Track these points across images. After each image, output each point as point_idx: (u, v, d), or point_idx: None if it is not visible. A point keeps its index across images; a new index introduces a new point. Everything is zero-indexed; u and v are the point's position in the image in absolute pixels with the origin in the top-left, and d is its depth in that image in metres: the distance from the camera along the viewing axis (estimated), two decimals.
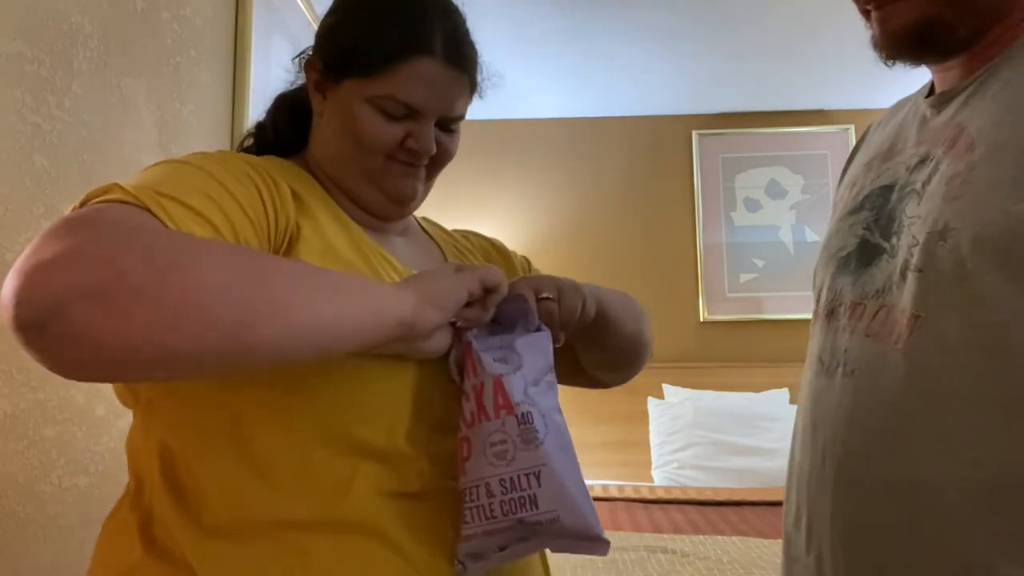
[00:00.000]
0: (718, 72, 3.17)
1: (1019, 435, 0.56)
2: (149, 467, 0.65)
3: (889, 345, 0.65)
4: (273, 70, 2.15)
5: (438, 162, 0.79)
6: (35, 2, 1.09)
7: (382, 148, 0.74)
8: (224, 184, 0.61)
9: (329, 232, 0.70)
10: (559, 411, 0.65)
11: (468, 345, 0.67)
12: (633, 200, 3.63)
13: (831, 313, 0.76)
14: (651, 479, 3.25)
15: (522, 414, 0.62)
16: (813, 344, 0.79)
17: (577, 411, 3.48)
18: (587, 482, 2.86)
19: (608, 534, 2.65)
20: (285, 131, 0.82)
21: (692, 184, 3.63)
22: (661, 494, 2.96)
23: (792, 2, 2.70)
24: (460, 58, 0.76)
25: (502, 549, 0.63)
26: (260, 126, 0.85)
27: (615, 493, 3.05)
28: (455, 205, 3.68)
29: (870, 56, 0.75)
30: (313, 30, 2.74)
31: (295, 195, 0.69)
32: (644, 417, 3.35)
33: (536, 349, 0.68)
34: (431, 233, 0.94)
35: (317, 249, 0.67)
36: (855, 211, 0.78)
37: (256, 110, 2.18)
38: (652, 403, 3.33)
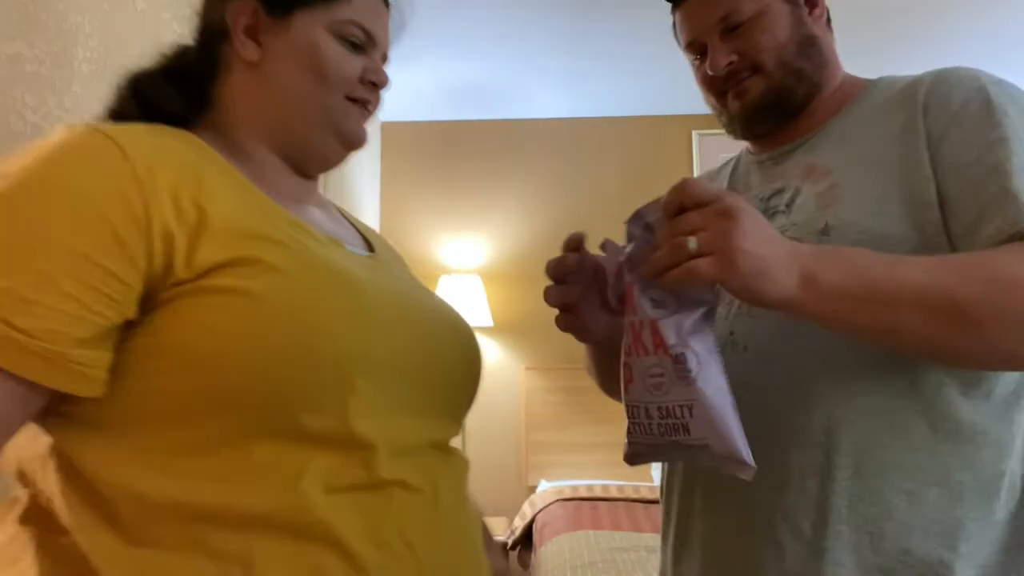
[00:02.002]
0: None
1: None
2: (46, 476, 0.59)
3: (777, 317, 0.75)
4: None
5: (377, 104, 0.78)
6: (35, 2, 1.09)
7: (346, 80, 0.72)
8: (74, 257, 0.54)
9: (239, 210, 0.63)
10: (714, 351, 0.67)
11: (630, 285, 0.70)
12: (633, 200, 3.59)
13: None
14: (651, 479, 3.25)
15: (676, 355, 0.66)
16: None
17: (577, 411, 3.48)
18: (587, 482, 2.87)
19: (608, 534, 2.65)
20: (174, 99, 0.72)
21: None
22: None
23: None
24: None
25: (660, 455, 0.72)
26: (138, 92, 0.73)
27: (615, 493, 3.05)
28: (455, 205, 3.68)
29: (866, 57, 0.79)
30: None
31: (196, 175, 0.61)
32: None
33: (692, 293, 0.68)
34: (348, 217, 0.88)
35: (226, 232, 0.60)
36: None
37: None
38: None
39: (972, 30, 2.85)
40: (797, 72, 0.88)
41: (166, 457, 0.57)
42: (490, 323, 3.44)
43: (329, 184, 2.77)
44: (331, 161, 0.77)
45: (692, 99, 3.77)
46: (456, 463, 0.72)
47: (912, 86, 0.83)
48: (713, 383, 0.66)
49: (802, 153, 0.90)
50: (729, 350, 0.79)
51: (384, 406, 0.63)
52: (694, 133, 3.67)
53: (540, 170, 3.72)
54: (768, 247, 0.63)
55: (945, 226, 0.74)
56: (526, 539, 2.93)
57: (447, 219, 3.69)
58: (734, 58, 0.89)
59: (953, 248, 0.74)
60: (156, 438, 0.57)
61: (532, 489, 3.39)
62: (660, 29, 3.22)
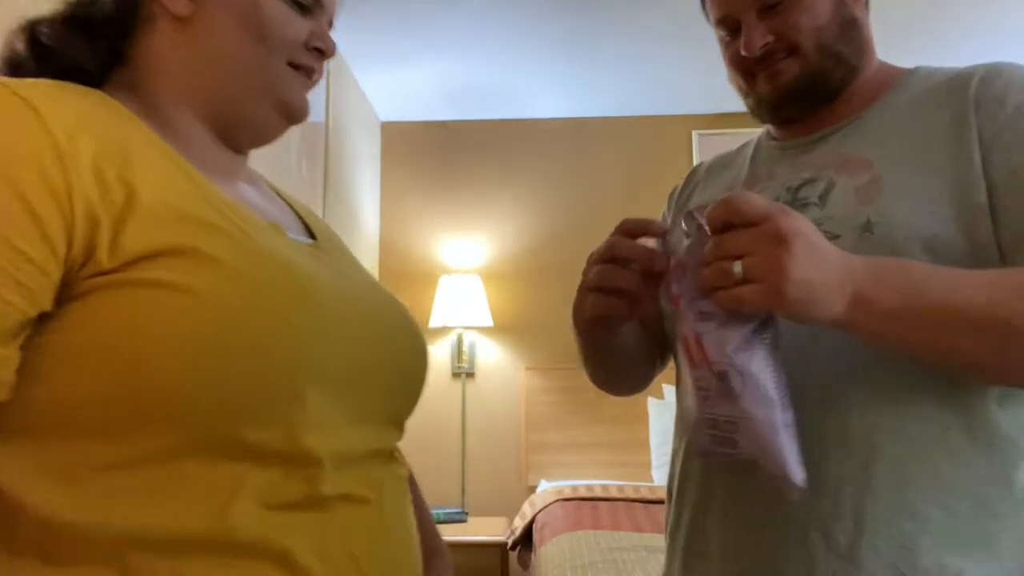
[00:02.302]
0: (718, 72, 3.16)
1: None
2: None
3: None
4: None
5: (320, 75, 0.71)
6: (35, 2, 1.09)
7: (290, 43, 0.65)
8: None
9: (171, 189, 0.55)
10: (767, 368, 0.63)
11: (677, 296, 0.67)
12: (633, 200, 3.62)
13: None
14: (651, 479, 3.25)
15: (719, 372, 0.63)
16: None
17: (577, 411, 3.48)
18: (586, 482, 2.85)
19: (608, 534, 2.64)
20: (82, 52, 0.63)
21: None
22: (661, 494, 2.95)
23: None
24: None
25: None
26: (36, 42, 0.63)
27: (615, 493, 3.05)
28: (455, 205, 3.68)
29: (904, 52, 0.77)
30: None
31: (121, 146, 0.54)
32: (644, 417, 3.35)
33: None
34: (281, 195, 0.79)
35: (157, 214, 0.52)
36: None
37: None
38: (652, 403, 3.32)
39: (971, 20, 2.85)
40: (836, 56, 0.84)
41: (80, 472, 0.50)
42: (490, 323, 3.44)
43: (329, 184, 2.77)
44: (268, 134, 0.69)
45: (692, 99, 3.78)
46: (398, 470, 0.67)
47: (962, 78, 0.79)
48: (762, 401, 0.62)
49: (835, 142, 0.85)
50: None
51: (332, 416, 0.57)
52: (694, 133, 3.67)
53: (540, 170, 3.72)
54: (821, 272, 0.60)
55: (995, 232, 0.71)
56: (526, 539, 2.93)
57: (447, 219, 3.69)
58: (770, 38, 0.83)
59: (1002, 255, 0.71)
60: (68, 450, 0.50)
61: (532, 489, 3.39)
62: (660, 29, 3.20)
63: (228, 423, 0.52)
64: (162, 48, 0.64)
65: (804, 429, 0.70)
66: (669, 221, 1.04)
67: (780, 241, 0.59)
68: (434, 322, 3.41)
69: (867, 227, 0.75)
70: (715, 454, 0.67)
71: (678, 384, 0.71)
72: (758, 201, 0.61)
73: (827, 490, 0.71)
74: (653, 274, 0.70)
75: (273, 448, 0.53)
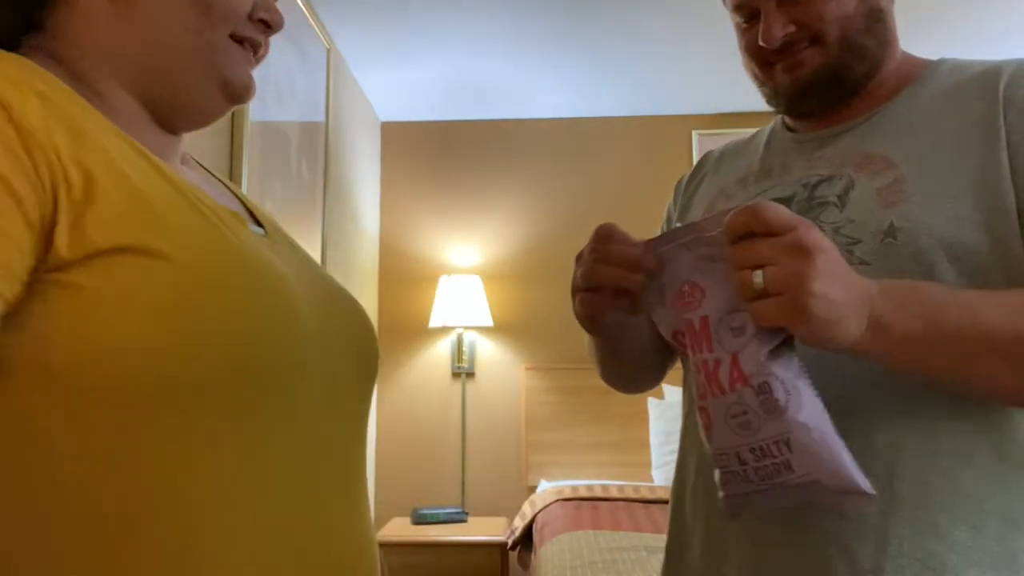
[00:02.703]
0: (718, 72, 3.17)
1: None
2: None
3: None
4: (272, 67, 2.15)
5: (266, 51, 0.65)
6: None
7: (234, 14, 0.59)
8: None
9: (133, 171, 0.49)
10: (803, 375, 0.60)
11: (700, 320, 0.62)
12: (633, 200, 3.62)
13: None
14: (651, 479, 3.24)
15: (758, 385, 0.59)
16: None
17: (577, 411, 3.48)
18: (587, 482, 2.86)
19: (608, 534, 2.64)
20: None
21: None
22: (661, 494, 2.96)
23: None
24: None
25: (764, 503, 0.62)
26: None
27: (615, 493, 3.05)
28: (455, 205, 3.68)
29: (928, 43, 0.76)
30: (312, 28, 2.73)
31: (71, 122, 0.47)
32: (644, 417, 3.34)
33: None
34: (222, 180, 0.72)
35: (123, 202, 0.47)
36: None
37: (250, 105, 2.17)
38: (652, 403, 3.32)
39: (972, 19, 2.84)
40: (859, 49, 0.79)
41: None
42: (490, 323, 3.44)
43: (329, 184, 2.77)
44: (208, 114, 0.62)
45: (692, 99, 3.77)
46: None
47: (990, 74, 0.76)
48: (808, 408, 0.59)
49: (854, 138, 0.81)
50: None
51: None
52: (694, 133, 3.67)
53: (540, 170, 3.72)
54: (843, 290, 0.57)
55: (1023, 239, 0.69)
56: (526, 539, 2.93)
57: (447, 219, 3.69)
58: (791, 28, 0.79)
59: None
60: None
61: (532, 489, 3.39)
62: (660, 29, 3.21)
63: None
64: (89, 14, 0.56)
65: None
66: (676, 212, 1.01)
67: (804, 253, 0.56)
68: (434, 322, 3.41)
69: (890, 232, 0.72)
70: (755, 504, 0.62)
71: (685, 421, 0.67)
72: (784, 212, 0.58)
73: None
74: (642, 268, 0.68)
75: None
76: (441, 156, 3.73)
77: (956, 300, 0.64)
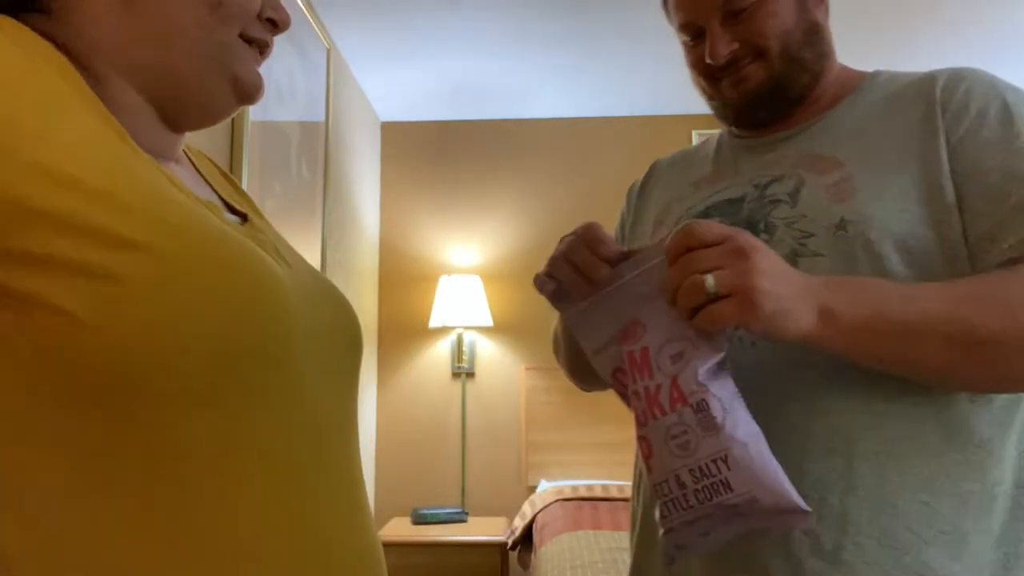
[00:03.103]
0: None
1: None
2: None
3: None
4: (272, 67, 2.15)
5: (271, 50, 0.65)
6: None
7: (245, 13, 0.59)
8: None
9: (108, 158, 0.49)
10: (738, 396, 0.64)
11: (642, 351, 0.66)
12: None
13: None
14: None
15: (697, 403, 0.62)
16: None
17: (577, 411, 3.48)
18: (587, 482, 2.86)
19: (609, 534, 2.64)
20: None
21: None
22: None
23: None
24: None
25: (705, 535, 0.64)
26: None
27: (615, 493, 3.05)
28: (455, 205, 3.68)
29: (865, 56, 0.79)
30: (312, 28, 2.73)
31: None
32: None
33: (708, 341, 0.65)
34: (198, 165, 0.70)
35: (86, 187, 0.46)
36: (703, 218, 0.86)
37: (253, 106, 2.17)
38: None
39: (966, 19, 2.84)
40: (799, 62, 0.85)
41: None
42: (490, 323, 3.44)
43: (329, 184, 2.77)
44: (218, 113, 0.62)
45: (692, 99, 3.77)
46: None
47: (926, 81, 0.81)
48: (743, 427, 0.61)
49: (801, 141, 0.86)
50: (736, 346, 0.76)
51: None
52: (694, 133, 3.67)
53: (540, 170, 3.72)
54: (785, 285, 0.62)
55: (963, 231, 0.73)
56: (526, 539, 2.93)
57: (447, 219, 3.69)
58: (735, 46, 0.84)
59: (970, 254, 0.73)
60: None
61: (532, 489, 3.39)
62: (660, 29, 3.21)
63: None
64: (97, 7, 0.55)
65: (793, 433, 0.73)
66: (630, 218, 1.08)
67: (744, 255, 0.61)
68: (434, 322, 3.40)
69: (841, 225, 0.76)
70: (698, 525, 0.63)
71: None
72: (716, 225, 0.63)
73: (812, 492, 0.71)
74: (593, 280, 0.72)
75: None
76: (441, 156, 3.72)
77: (899, 291, 0.68)
